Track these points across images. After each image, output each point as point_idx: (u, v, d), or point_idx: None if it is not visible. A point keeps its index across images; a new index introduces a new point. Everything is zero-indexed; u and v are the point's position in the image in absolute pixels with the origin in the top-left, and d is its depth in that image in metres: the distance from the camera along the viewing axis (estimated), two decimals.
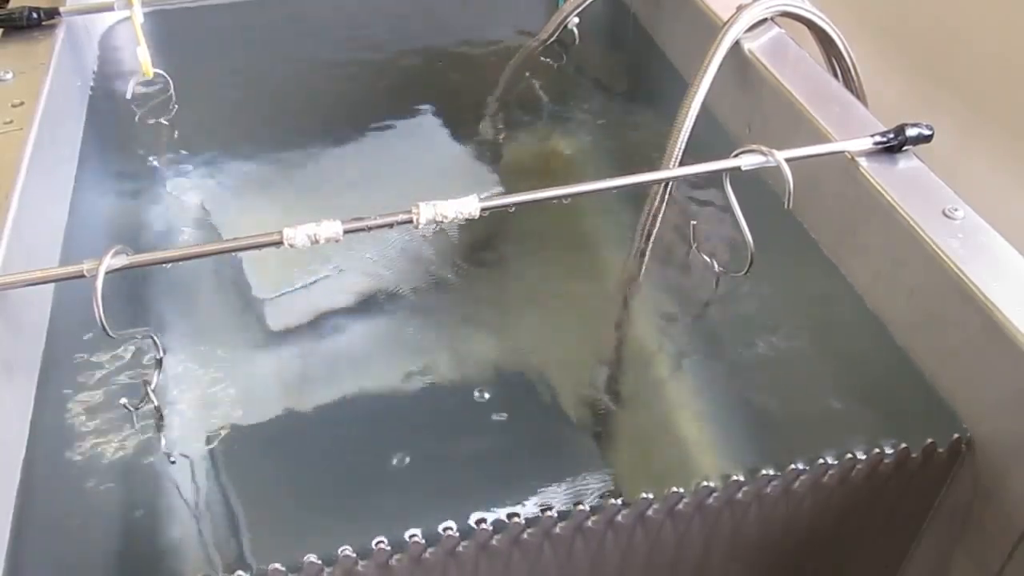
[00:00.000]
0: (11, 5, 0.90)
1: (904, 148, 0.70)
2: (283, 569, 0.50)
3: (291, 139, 0.94)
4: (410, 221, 0.61)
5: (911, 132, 0.70)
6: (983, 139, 0.80)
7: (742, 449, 0.64)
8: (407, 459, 0.61)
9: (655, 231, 0.78)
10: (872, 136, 0.70)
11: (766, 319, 0.71)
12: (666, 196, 0.79)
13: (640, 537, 0.57)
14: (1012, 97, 0.77)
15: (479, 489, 0.57)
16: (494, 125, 0.97)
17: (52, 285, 0.68)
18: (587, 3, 1.03)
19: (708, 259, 0.74)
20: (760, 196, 0.73)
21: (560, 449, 0.64)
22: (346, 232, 0.60)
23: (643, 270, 0.78)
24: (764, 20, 0.85)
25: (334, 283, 0.76)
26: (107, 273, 0.56)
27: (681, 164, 0.77)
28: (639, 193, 0.81)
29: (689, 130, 0.77)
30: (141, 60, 0.90)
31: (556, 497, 0.58)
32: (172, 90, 0.95)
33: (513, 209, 0.64)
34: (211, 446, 0.61)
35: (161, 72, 0.93)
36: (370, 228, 0.60)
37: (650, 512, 0.56)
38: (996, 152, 0.79)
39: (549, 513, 0.54)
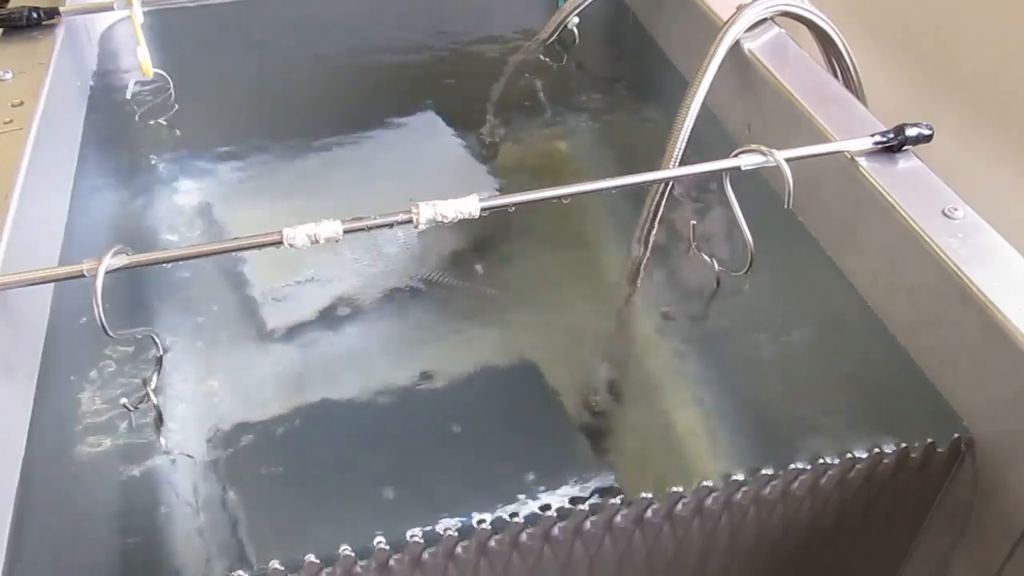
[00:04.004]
0: (11, 5, 0.90)
1: (904, 148, 0.70)
2: (283, 568, 0.50)
3: (291, 138, 0.94)
4: (410, 221, 0.61)
5: (911, 132, 0.70)
6: (983, 139, 0.80)
7: (742, 449, 0.64)
8: (407, 458, 0.61)
9: (655, 231, 0.78)
10: (872, 136, 0.70)
11: (766, 318, 0.71)
12: (666, 196, 0.79)
13: (639, 537, 0.57)
14: (1012, 97, 0.77)
15: (479, 488, 0.57)
16: (494, 125, 0.97)
17: (52, 285, 0.68)
18: (587, 3, 1.03)
19: (708, 258, 0.74)
20: (760, 196, 0.73)
21: (560, 449, 0.64)
22: (346, 232, 0.60)
23: (643, 269, 0.78)
24: (764, 20, 0.85)
25: (333, 281, 0.76)
26: (107, 273, 0.56)
27: (681, 164, 0.77)
28: (639, 193, 0.81)
29: (689, 130, 0.77)
30: (141, 60, 0.90)
31: (556, 497, 0.58)
32: (172, 90, 0.95)
33: (513, 209, 0.64)
34: (210, 445, 0.61)
35: (161, 72, 0.93)
36: (370, 228, 0.60)
37: (649, 512, 0.56)
38: (996, 152, 0.79)
39: (549, 513, 0.54)
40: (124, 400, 0.63)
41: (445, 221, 0.61)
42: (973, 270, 0.60)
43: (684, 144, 0.77)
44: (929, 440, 0.59)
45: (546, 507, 0.55)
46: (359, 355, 0.70)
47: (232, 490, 0.59)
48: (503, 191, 0.87)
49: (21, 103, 0.76)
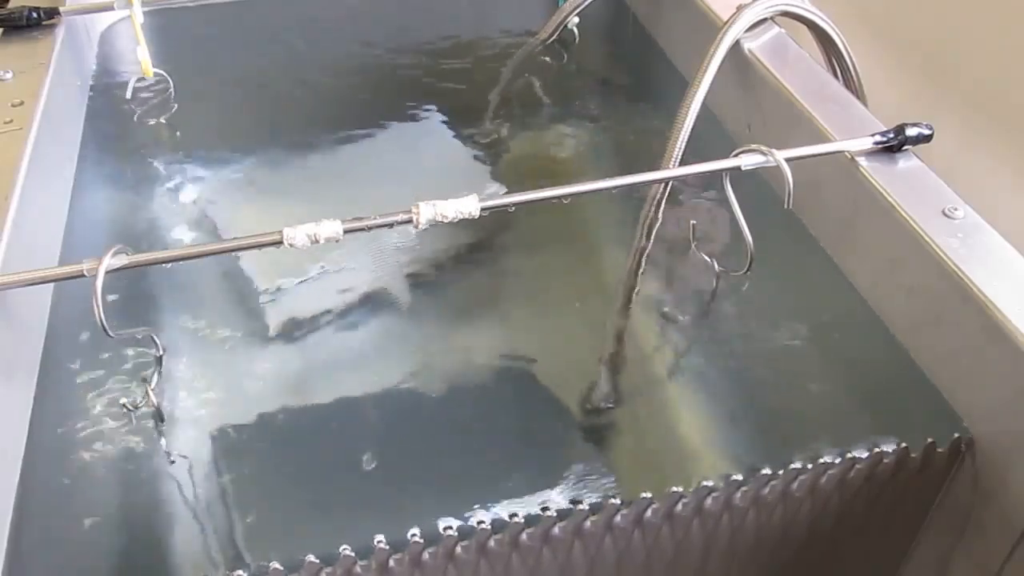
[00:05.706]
0: (11, 5, 0.90)
1: (904, 148, 0.70)
2: (282, 568, 0.50)
3: (291, 138, 0.94)
4: (410, 221, 0.61)
5: (911, 132, 0.70)
6: (983, 139, 0.80)
7: (742, 449, 0.64)
8: (407, 459, 0.61)
9: (655, 230, 0.78)
10: (872, 136, 0.70)
11: (766, 318, 0.71)
12: (666, 196, 0.79)
13: (639, 537, 0.57)
14: (1012, 97, 0.77)
15: (479, 488, 0.57)
16: (494, 125, 0.97)
17: (52, 285, 0.68)
18: (587, 3, 1.03)
19: (708, 258, 0.74)
20: (760, 196, 0.73)
21: (560, 449, 0.64)
22: (346, 232, 0.60)
23: (643, 269, 0.78)
24: (764, 20, 0.85)
25: (333, 281, 0.76)
26: (107, 273, 0.56)
27: (681, 164, 0.77)
28: (639, 192, 0.81)
29: (689, 130, 0.77)
30: (141, 60, 0.90)
31: (556, 497, 0.58)
32: (172, 90, 0.95)
33: (513, 209, 0.64)
34: (211, 445, 0.61)
35: (161, 72, 0.93)
36: (370, 228, 0.60)
37: (649, 512, 0.56)
38: (996, 152, 0.79)
39: (549, 513, 0.54)
40: (124, 400, 0.63)
41: (445, 221, 0.61)
42: (973, 270, 0.60)
43: (684, 144, 0.77)
44: (929, 440, 0.59)
45: (546, 507, 0.55)
46: (359, 354, 0.70)
47: (232, 490, 0.59)
48: (503, 191, 0.87)
49: (21, 103, 0.76)
